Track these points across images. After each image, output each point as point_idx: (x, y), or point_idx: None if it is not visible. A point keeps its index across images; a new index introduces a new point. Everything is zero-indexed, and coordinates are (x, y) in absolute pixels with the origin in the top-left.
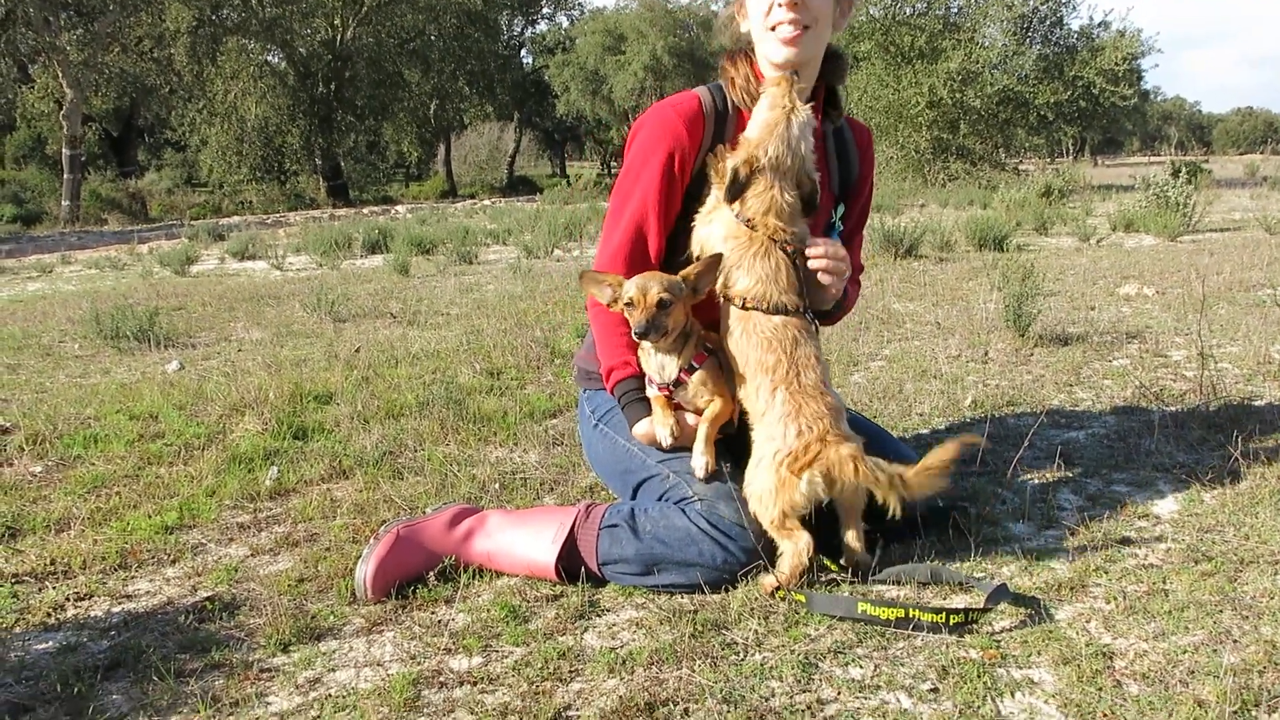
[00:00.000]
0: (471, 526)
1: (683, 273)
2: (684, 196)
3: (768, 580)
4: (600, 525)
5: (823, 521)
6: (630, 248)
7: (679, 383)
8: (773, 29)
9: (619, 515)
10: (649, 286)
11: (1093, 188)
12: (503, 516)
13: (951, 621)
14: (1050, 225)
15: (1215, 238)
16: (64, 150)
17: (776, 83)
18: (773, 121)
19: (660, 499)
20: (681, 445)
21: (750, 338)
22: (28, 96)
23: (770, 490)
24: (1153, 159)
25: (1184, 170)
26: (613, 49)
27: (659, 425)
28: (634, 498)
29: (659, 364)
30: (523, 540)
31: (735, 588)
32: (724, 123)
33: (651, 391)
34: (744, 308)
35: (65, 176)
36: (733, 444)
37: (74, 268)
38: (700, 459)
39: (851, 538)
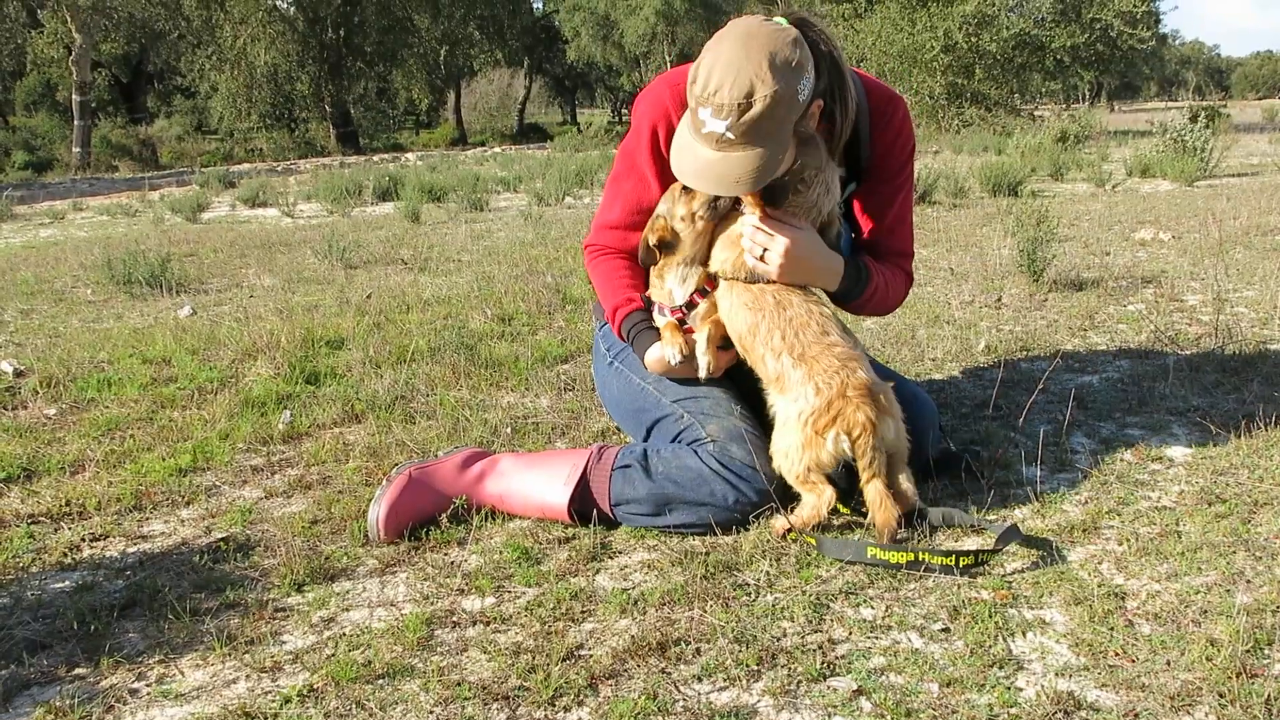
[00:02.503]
0: (484, 469)
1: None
2: None
3: (779, 522)
4: (613, 466)
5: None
6: (628, 220)
7: (692, 305)
8: None
9: (631, 456)
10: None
11: (1109, 133)
12: (515, 459)
13: (962, 564)
14: (1065, 171)
15: (1233, 183)
16: (74, 96)
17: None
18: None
19: (674, 440)
20: (691, 373)
21: (737, 311)
22: (37, 42)
23: (797, 447)
24: (1170, 104)
25: (1202, 115)
26: None
27: (668, 346)
28: (647, 438)
29: (680, 276)
30: (535, 482)
31: (747, 529)
32: None
33: (660, 320)
34: (726, 279)
35: (75, 123)
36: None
37: (86, 214)
38: (703, 358)
39: (902, 483)
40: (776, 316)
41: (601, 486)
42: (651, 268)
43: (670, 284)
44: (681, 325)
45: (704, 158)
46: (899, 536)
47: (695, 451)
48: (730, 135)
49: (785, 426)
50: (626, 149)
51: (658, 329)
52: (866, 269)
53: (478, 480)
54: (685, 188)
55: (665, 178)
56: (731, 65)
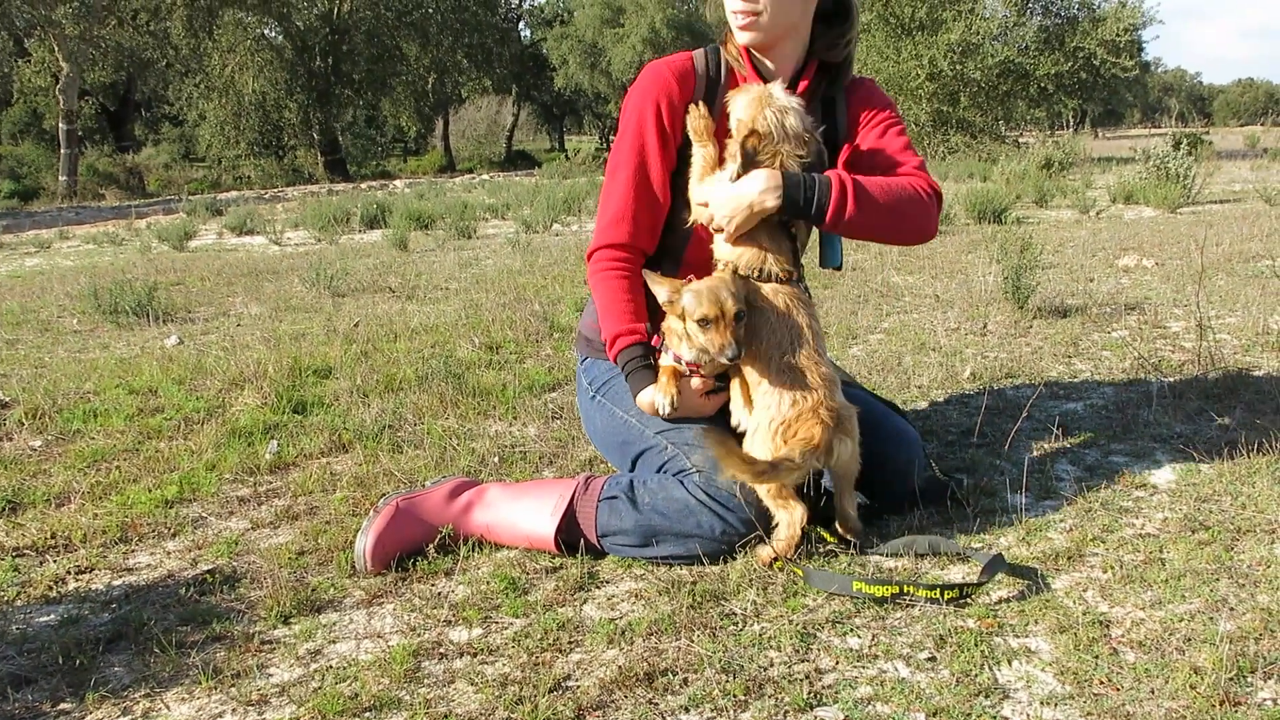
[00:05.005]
0: (471, 499)
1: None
2: (678, 154)
3: (765, 551)
4: (599, 497)
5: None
6: (635, 201)
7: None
8: (733, 12)
9: (618, 487)
10: (723, 298)
11: (1093, 160)
12: (502, 489)
13: (946, 597)
14: (1050, 198)
15: (1215, 209)
16: (60, 125)
17: (748, 91)
18: (756, 103)
19: (659, 471)
20: (681, 416)
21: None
22: (24, 71)
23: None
24: (1153, 131)
25: (1185, 142)
26: (611, 21)
27: (659, 393)
28: (632, 469)
29: (701, 347)
30: (522, 512)
31: (734, 559)
32: (715, 87)
33: (666, 360)
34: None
35: (62, 151)
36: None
37: (72, 243)
38: (661, 397)
39: (846, 505)
40: (778, 322)
41: (588, 518)
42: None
43: (683, 350)
44: (679, 373)
45: None
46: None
47: (681, 482)
48: None
49: (755, 435)
50: (623, 138)
51: (653, 368)
52: (818, 174)
53: (465, 510)
54: (695, 306)
55: (669, 159)
56: None
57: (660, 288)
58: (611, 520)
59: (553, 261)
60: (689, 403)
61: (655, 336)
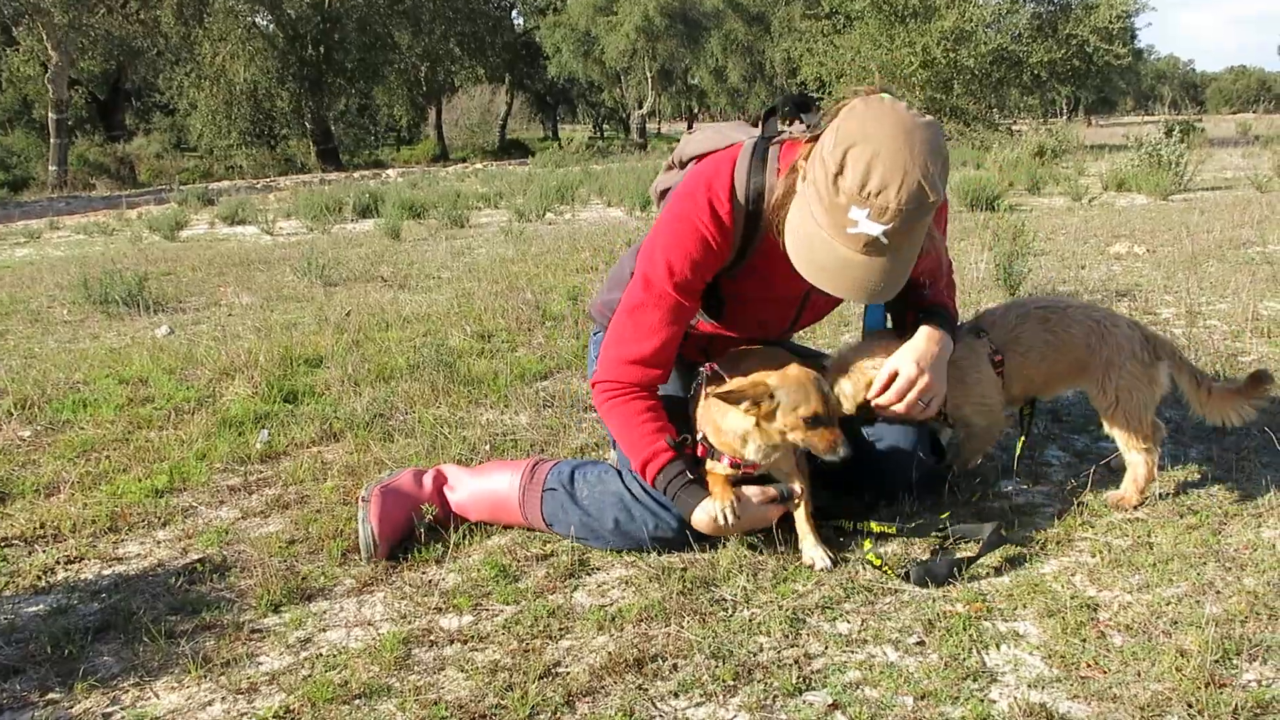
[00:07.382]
0: (436, 478)
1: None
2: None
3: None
4: (543, 487)
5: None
6: (661, 358)
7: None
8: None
9: (559, 479)
10: (825, 391)
11: (1086, 147)
12: (460, 468)
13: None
14: (1043, 185)
15: (1207, 196)
16: (50, 114)
17: None
18: None
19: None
20: (743, 528)
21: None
22: (12, 59)
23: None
24: (1146, 118)
25: (1177, 129)
26: (604, 10)
27: (718, 505)
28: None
29: (761, 451)
30: (489, 486)
31: (725, 544)
32: (755, 220)
33: (721, 467)
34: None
35: (52, 141)
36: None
37: (62, 233)
38: (817, 551)
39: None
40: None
41: (534, 507)
42: (717, 417)
43: (749, 450)
44: (736, 478)
45: (843, 258)
46: None
47: (620, 475)
48: (884, 240)
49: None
50: (650, 279)
51: (699, 480)
52: (943, 311)
53: (437, 489)
54: (799, 401)
55: (697, 297)
56: (897, 164)
57: (731, 386)
58: (555, 511)
59: (545, 250)
60: (751, 512)
61: (700, 446)
